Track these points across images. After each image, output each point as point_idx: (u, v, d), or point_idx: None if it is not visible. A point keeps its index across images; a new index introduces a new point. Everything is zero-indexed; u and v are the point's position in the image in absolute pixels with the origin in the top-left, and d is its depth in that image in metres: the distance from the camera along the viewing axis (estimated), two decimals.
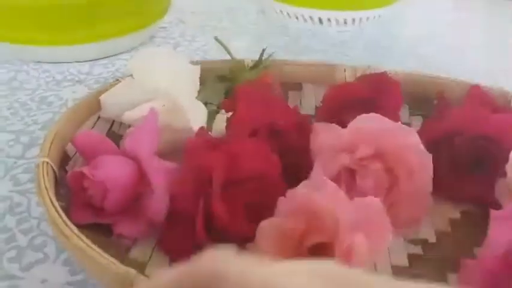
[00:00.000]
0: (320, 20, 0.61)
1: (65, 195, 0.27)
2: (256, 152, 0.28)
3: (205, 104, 0.35)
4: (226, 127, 0.32)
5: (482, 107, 0.31)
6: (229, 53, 0.37)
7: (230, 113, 0.32)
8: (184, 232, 0.26)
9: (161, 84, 0.30)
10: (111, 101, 0.32)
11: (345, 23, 0.61)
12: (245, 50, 0.56)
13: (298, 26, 0.63)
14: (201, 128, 0.29)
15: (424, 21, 0.71)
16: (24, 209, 0.32)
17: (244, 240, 0.26)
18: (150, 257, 0.26)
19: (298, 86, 0.39)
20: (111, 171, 0.26)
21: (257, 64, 0.37)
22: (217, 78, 0.36)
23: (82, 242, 0.21)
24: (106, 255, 0.20)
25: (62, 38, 0.50)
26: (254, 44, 0.58)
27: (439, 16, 0.73)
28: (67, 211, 0.25)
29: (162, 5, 0.56)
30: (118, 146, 0.29)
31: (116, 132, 0.34)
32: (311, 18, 0.61)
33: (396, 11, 0.68)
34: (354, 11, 0.60)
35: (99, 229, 0.26)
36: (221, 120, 0.32)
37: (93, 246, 0.21)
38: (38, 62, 0.52)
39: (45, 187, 0.24)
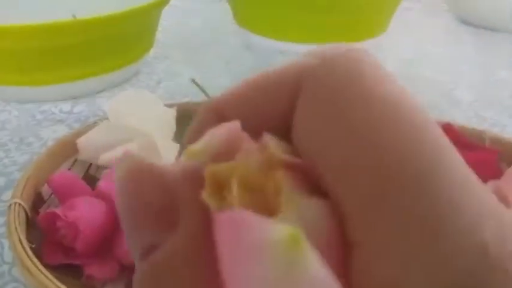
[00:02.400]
0: None
1: (37, 238, 0.29)
2: None
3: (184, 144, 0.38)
4: None
5: (455, 145, 0.34)
6: (206, 94, 0.41)
7: None
8: None
9: (137, 127, 0.34)
10: (88, 144, 0.35)
11: None
12: (228, 87, 0.59)
13: (283, 61, 0.67)
14: None
15: (410, 53, 0.75)
16: None
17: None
18: None
19: None
20: (84, 212, 0.29)
21: None
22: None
23: (49, 280, 0.23)
24: None
25: (44, 78, 0.53)
26: (238, 80, 0.62)
27: (424, 49, 0.77)
28: (38, 253, 0.28)
29: (145, 44, 0.60)
30: (95, 189, 0.32)
31: (92, 175, 0.37)
32: (297, 53, 0.65)
33: (381, 42, 0.72)
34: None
35: (70, 271, 0.29)
36: None
37: (58, 282, 0.23)
38: (21, 102, 0.55)
39: (16, 228, 0.27)
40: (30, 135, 0.49)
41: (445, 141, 0.10)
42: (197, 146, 0.10)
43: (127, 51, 0.57)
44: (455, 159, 0.10)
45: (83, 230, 0.28)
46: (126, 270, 0.29)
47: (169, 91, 0.58)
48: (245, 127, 0.11)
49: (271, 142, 0.10)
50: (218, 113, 0.12)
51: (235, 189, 0.10)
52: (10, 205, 0.29)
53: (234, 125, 0.11)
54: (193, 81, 0.41)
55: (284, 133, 0.11)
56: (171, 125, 0.35)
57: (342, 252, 0.09)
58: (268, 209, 0.10)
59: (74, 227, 0.28)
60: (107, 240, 0.29)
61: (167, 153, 0.34)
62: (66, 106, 0.55)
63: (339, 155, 0.10)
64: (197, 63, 0.67)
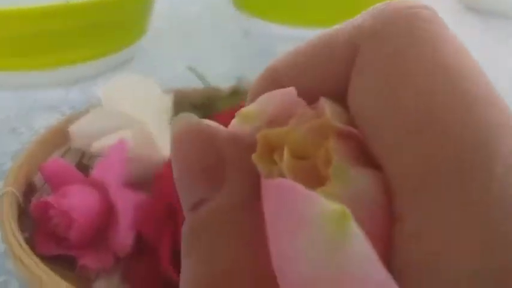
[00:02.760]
0: None
1: (29, 228, 0.29)
2: None
3: None
4: None
5: None
6: (203, 81, 0.40)
7: None
8: (150, 264, 0.28)
9: (131, 113, 0.33)
10: (81, 131, 0.34)
11: None
12: (226, 75, 0.58)
13: (284, 48, 0.66)
14: None
15: None
16: None
17: None
18: None
19: None
20: (77, 201, 0.28)
21: (234, 92, 0.40)
22: (192, 107, 0.39)
23: (42, 271, 0.23)
24: (66, 285, 0.22)
25: (35, 62, 0.53)
26: (237, 67, 0.61)
27: None
28: (31, 243, 0.27)
29: (140, 29, 0.60)
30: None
31: (86, 164, 0.36)
32: (299, 38, 0.64)
33: None
34: None
35: (63, 262, 0.28)
36: None
37: (52, 273, 0.23)
38: (12, 88, 0.54)
39: (8, 218, 0.26)
40: (21, 124, 0.48)
41: (509, 121, 0.09)
42: (249, 108, 0.11)
43: (121, 36, 0.57)
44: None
45: (77, 219, 0.27)
46: (121, 261, 0.29)
47: (165, 78, 0.57)
48: (302, 92, 0.11)
49: (327, 107, 0.10)
50: (275, 80, 0.12)
51: (286, 157, 0.10)
52: (2, 194, 0.29)
53: (289, 91, 0.11)
54: (190, 68, 0.40)
55: (341, 97, 0.11)
56: (167, 112, 0.35)
57: (387, 224, 0.09)
58: (317, 177, 0.10)
59: (67, 216, 0.28)
60: (101, 230, 0.29)
61: (163, 141, 0.33)
62: (58, 93, 0.54)
63: (394, 122, 0.09)
64: (194, 49, 0.66)
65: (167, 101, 0.35)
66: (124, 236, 0.28)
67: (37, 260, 0.24)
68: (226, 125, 0.37)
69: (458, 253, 0.08)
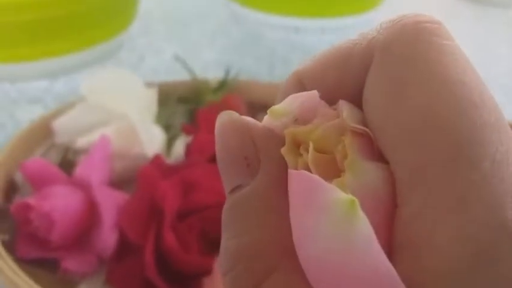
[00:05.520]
0: (297, 29, 0.63)
1: (10, 229, 0.28)
2: (214, 178, 0.30)
3: (167, 127, 0.36)
4: (185, 152, 0.33)
5: None
6: (191, 73, 0.39)
7: (190, 138, 0.34)
8: (134, 266, 0.27)
9: (115, 108, 0.32)
10: (64, 127, 0.33)
11: (324, 31, 0.63)
12: (215, 63, 0.57)
13: (273, 35, 0.65)
14: (156, 155, 0.31)
15: None
16: None
17: (199, 273, 0.27)
18: None
19: (267, 108, 0.41)
20: (59, 202, 0.28)
21: (222, 85, 0.39)
22: (179, 100, 0.38)
23: (18, 277, 0.22)
24: None
25: (19, 54, 0.51)
26: (225, 55, 0.60)
27: None
28: (12, 245, 0.27)
29: (126, 17, 0.58)
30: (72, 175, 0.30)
31: (71, 159, 0.35)
32: (287, 26, 0.63)
33: (379, 17, 0.70)
34: (334, 18, 0.63)
35: (46, 264, 0.27)
36: (181, 145, 0.34)
37: (32, 282, 0.22)
38: None
39: None
40: (4, 116, 0.47)
41: (497, 121, 0.11)
42: (278, 107, 0.13)
43: (107, 25, 0.55)
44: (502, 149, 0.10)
45: (58, 221, 0.27)
46: (105, 263, 0.28)
47: (153, 68, 0.56)
48: (324, 95, 0.13)
49: (344, 109, 0.12)
50: (299, 83, 0.14)
51: (311, 151, 0.12)
52: None
53: (313, 93, 0.12)
54: (177, 58, 0.39)
55: (358, 100, 0.13)
56: (151, 106, 0.34)
57: (392, 209, 0.11)
58: (336, 168, 0.12)
59: (48, 218, 0.27)
60: (83, 231, 0.28)
61: (148, 136, 0.33)
62: (42, 85, 0.53)
63: (399, 122, 0.11)
64: (182, 37, 0.65)
65: (151, 95, 0.34)
66: (107, 237, 0.27)
67: (13, 264, 0.24)
68: (211, 119, 0.36)
69: (442, 235, 0.10)
